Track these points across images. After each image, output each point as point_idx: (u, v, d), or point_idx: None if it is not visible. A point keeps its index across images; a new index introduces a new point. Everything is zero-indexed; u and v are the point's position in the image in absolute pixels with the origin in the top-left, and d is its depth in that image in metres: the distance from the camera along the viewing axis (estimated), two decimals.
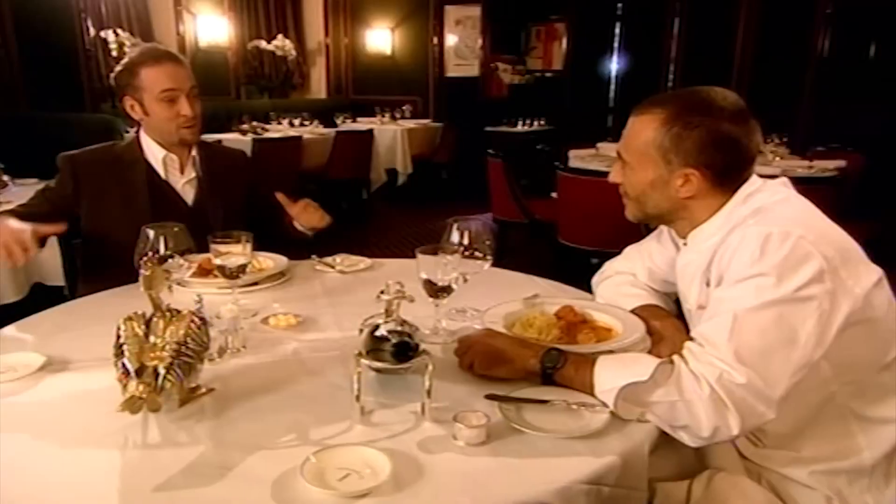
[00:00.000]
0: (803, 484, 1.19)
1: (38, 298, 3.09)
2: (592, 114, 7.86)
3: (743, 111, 1.23)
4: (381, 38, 8.65)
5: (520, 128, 7.90)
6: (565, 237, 4.04)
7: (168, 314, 1.14)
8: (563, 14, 8.16)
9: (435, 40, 8.32)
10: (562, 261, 4.16)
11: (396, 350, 1.01)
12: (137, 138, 2.04)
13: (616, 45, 7.91)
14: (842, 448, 1.19)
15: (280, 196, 2.01)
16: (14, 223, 1.63)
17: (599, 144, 5.04)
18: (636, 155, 1.30)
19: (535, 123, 7.93)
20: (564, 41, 8.25)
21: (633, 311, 1.45)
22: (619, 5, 7.82)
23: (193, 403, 1.14)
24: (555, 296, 1.64)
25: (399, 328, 1.11)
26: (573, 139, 6.07)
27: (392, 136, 7.11)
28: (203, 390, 1.18)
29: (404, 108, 8.04)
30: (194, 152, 2.06)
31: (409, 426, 1.07)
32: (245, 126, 6.28)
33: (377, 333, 1.11)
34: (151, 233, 1.44)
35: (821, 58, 6.16)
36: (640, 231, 3.73)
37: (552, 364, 1.17)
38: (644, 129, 1.28)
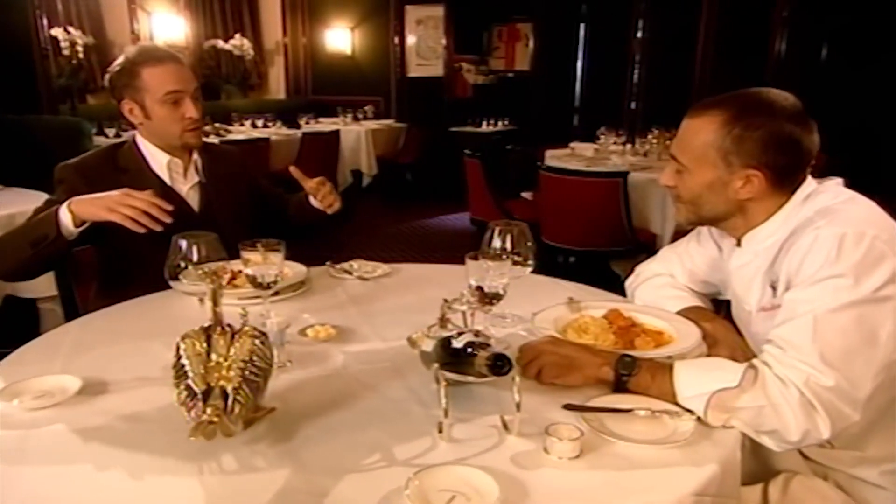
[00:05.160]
0: (874, 484, 1.20)
1: (11, 312, 2.92)
2: (558, 114, 7.91)
3: (802, 111, 1.23)
4: (340, 37, 8.54)
5: (484, 128, 7.91)
6: (548, 237, 4.04)
7: (228, 330, 1.07)
8: (527, 14, 8.20)
9: (396, 40, 8.25)
10: (543, 260, 4.16)
11: (494, 363, 0.97)
12: (136, 146, 1.93)
13: (581, 45, 7.99)
14: None
15: (294, 170, 1.95)
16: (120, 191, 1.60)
17: (573, 144, 5.07)
18: (693, 157, 1.29)
19: (500, 123, 7.95)
20: (527, 41, 8.30)
21: (678, 314, 1.44)
22: (584, 6, 7.89)
23: (258, 424, 1.07)
24: (586, 298, 1.62)
25: (477, 339, 1.07)
26: (539, 139, 6.11)
27: (356, 136, 7.03)
28: (263, 410, 1.11)
29: (366, 108, 7.98)
30: (196, 156, 1.97)
31: (494, 441, 1.03)
32: (207, 128, 6.10)
33: (455, 345, 1.06)
34: (184, 242, 1.36)
35: (778, 59, 6.33)
36: (623, 231, 3.79)
37: (627, 371, 1.14)
38: (702, 130, 1.26)
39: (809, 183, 1.27)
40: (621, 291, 1.72)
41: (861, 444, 1.21)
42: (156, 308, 1.60)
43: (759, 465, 1.26)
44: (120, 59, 1.89)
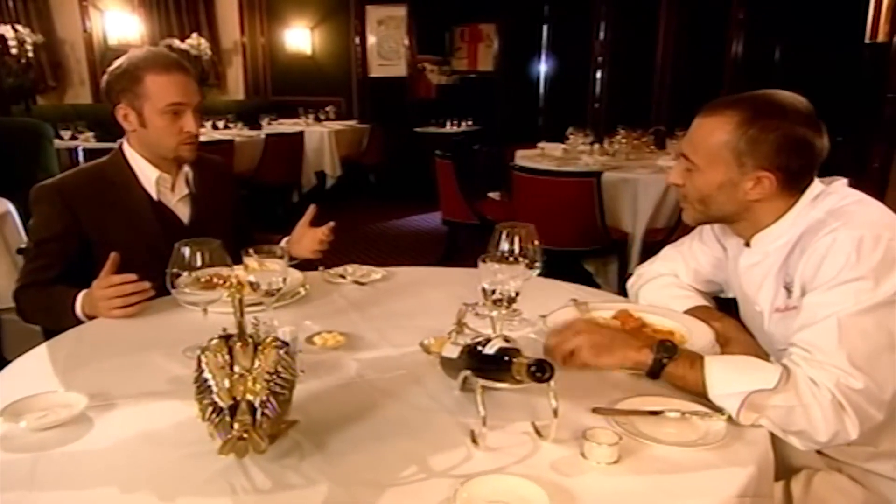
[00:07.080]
0: (888, 477, 1.22)
1: None
2: (522, 114, 7.96)
3: (813, 114, 1.24)
4: (300, 37, 8.42)
5: (448, 128, 7.90)
6: None
7: (251, 340, 1.03)
8: (489, 15, 8.22)
9: (357, 40, 8.18)
10: None
11: (537, 370, 0.95)
12: (124, 157, 1.84)
13: (543, 47, 8.05)
14: None
15: (313, 209, 1.95)
16: (95, 286, 1.56)
17: (542, 144, 5.09)
18: (706, 157, 1.29)
19: (464, 124, 7.95)
20: (489, 42, 8.33)
21: (685, 313, 1.45)
22: (546, 7, 7.94)
23: (284, 439, 1.03)
24: (590, 300, 1.61)
25: (510, 345, 1.05)
26: (504, 139, 6.13)
27: (319, 137, 6.93)
28: (287, 423, 1.07)
29: (327, 108, 7.88)
30: (186, 168, 1.90)
31: (529, 448, 1.01)
32: None
33: (487, 352, 1.04)
34: (187, 250, 1.32)
35: (735, 60, 6.50)
36: (598, 230, 3.83)
37: (668, 356, 1.13)
38: (716, 130, 1.26)
39: (816, 184, 1.29)
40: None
41: (875, 439, 1.23)
42: (150, 318, 1.54)
43: (774, 461, 1.27)
44: (122, 61, 1.78)
